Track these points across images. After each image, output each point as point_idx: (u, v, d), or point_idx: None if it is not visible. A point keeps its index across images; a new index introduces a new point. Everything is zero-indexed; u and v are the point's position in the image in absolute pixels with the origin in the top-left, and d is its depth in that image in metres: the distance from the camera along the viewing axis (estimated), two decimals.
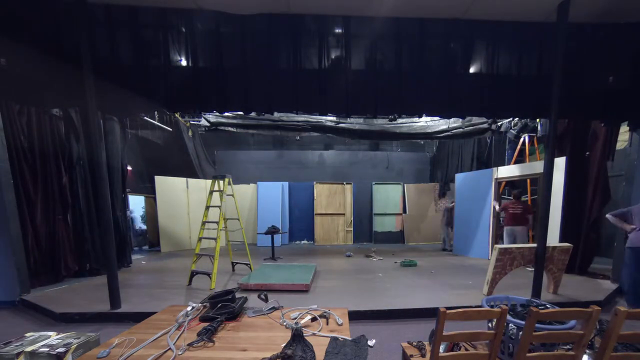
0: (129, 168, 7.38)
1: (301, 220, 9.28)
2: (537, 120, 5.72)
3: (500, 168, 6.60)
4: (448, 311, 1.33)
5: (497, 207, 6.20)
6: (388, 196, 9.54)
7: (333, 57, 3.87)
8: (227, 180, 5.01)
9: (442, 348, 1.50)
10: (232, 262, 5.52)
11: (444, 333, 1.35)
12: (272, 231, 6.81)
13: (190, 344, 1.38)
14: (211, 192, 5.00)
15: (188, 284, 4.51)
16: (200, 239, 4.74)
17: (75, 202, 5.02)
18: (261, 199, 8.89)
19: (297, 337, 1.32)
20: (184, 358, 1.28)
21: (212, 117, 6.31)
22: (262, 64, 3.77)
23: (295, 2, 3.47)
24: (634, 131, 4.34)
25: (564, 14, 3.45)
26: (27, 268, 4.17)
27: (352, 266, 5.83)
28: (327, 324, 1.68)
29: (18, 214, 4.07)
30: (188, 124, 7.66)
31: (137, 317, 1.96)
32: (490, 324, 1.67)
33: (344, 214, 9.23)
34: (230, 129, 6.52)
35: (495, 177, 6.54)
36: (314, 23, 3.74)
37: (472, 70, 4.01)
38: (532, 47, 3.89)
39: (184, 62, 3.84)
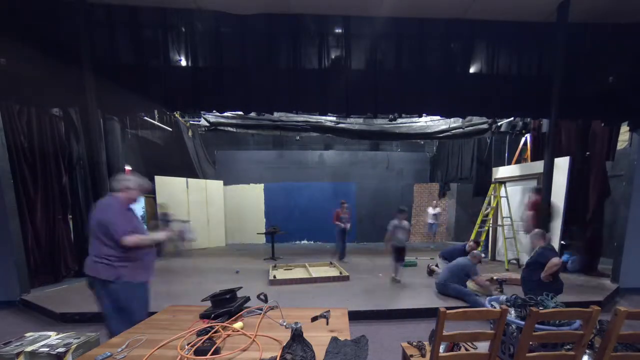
0: (128, 168, 7.38)
1: (301, 220, 9.27)
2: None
3: (501, 168, 6.59)
4: (448, 311, 1.33)
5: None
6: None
7: (333, 57, 3.87)
8: None
9: (442, 348, 1.50)
10: None
11: (444, 333, 1.35)
12: (272, 231, 6.81)
13: (189, 344, 1.38)
14: None
15: None
16: None
17: (75, 202, 5.02)
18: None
19: (297, 337, 1.32)
20: (182, 358, 1.28)
21: (212, 117, 6.30)
22: (262, 64, 3.77)
23: (296, 2, 3.47)
24: (634, 131, 4.34)
25: (564, 14, 3.45)
26: (27, 268, 4.17)
27: (352, 266, 5.83)
28: (327, 324, 1.67)
29: (18, 214, 4.06)
30: (188, 124, 7.65)
31: None
32: (492, 324, 1.67)
33: None
34: (230, 129, 6.52)
35: (495, 177, 6.53)
36: (314, 23, 3.74)
37: (472, 70, 4.01)
38: (532, 47, 3.89)
39: (183, 62, 3.84)
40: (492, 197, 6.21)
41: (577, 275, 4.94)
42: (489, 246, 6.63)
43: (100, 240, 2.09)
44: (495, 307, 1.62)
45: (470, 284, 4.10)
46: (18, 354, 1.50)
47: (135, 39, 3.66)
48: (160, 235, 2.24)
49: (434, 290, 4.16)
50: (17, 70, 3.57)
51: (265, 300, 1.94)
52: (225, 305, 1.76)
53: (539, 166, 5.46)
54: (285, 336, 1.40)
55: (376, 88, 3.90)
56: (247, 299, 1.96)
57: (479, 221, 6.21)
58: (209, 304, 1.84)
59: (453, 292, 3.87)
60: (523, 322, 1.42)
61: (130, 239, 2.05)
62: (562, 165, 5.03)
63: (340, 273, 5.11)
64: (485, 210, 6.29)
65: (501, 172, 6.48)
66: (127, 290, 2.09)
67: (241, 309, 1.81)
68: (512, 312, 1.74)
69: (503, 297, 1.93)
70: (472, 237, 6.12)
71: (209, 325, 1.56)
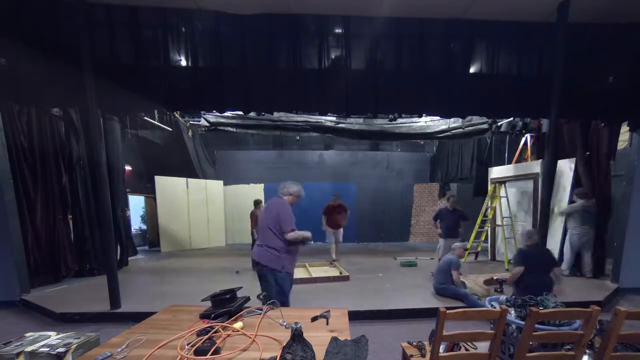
0: (128, 168, 7.38)
1: (301, 220, 9.25)
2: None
3: (495, 168, 6.59)
4: (448, 311, 1.33)
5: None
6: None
7: (333, 57, 3.87)
8: None
9: (442, 348, 1.50)
10: None
11: (444, 333, 1.35)
12: None
13: (189, 344, 1.38)
14: None
15: None
16: None
17: (75, 202, 5.02)
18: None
19: (297, 337, 1.32)
20: (182, 358, 1.28)
21: (212, 117, 6.29)
22: (262, 64, 3.76)
23: (296, 2, 3.47)
24: (634, 131, 4.33)
25: (564, 14, 3.45)
26: (27, 268, 4.17)
27: (351, 266, 5.83)
28: (327, 324, 1.67)
29: (18, 214, 4.06)
30: (188, 124, 7.65)
31: (137, 317, 1.96)
32: (492, 324, 1.67)
33: None
34: (230, 129, 6.51)
35: (491, 177, 6.54)
36: (313, 23, 3.74)
37: (472, 70, 4.00)
38: (532, 47, 3.88)
39: (183, 62, 3.83)
40: (492, 197, 6.21)
41: (576, 276, 4.93)
42: (488, 246, 6.63)
43: (272, 233, 2.68)
44: (495, 307, 1.62)
45: (469, 283, 4.10)
46: (18, 354, 1.51)
47: (135, 39, 3.66)
48: (305, 233, 2.77)
49: (433, 291, 4.16)
50: (17, 70, 3.56)
51: (265, 301, 1.94)
52: (225, 305, 1.76)
53: (535, 166, 5.46)
54: (285, 336, 1.40)
55: (376, 88, 3.90)
56: (247, 299, 1.96)
57: (479, 221, 6.21)
58: (209, 304, 1.84)
59: (451, 294, 3.88)
60: (523, 322, 1.42)
61: (292, 234, 2.65)
62: (564, 167, 5.03)
63: (340, 273, 5.11)
64: (485, 210, 6.30)
65: (496, 172, 6.49)
66: (287, 279, 2.70)
67: (241, 309, 1.81)
68: (512, 312, 1.74)
69: (503, 297, 1.93)
70: (472, 237, 6.13)
71: (209, 325, 1.56)
